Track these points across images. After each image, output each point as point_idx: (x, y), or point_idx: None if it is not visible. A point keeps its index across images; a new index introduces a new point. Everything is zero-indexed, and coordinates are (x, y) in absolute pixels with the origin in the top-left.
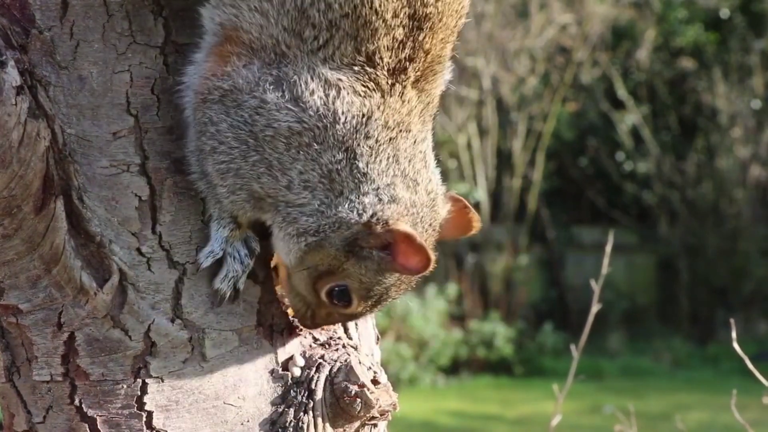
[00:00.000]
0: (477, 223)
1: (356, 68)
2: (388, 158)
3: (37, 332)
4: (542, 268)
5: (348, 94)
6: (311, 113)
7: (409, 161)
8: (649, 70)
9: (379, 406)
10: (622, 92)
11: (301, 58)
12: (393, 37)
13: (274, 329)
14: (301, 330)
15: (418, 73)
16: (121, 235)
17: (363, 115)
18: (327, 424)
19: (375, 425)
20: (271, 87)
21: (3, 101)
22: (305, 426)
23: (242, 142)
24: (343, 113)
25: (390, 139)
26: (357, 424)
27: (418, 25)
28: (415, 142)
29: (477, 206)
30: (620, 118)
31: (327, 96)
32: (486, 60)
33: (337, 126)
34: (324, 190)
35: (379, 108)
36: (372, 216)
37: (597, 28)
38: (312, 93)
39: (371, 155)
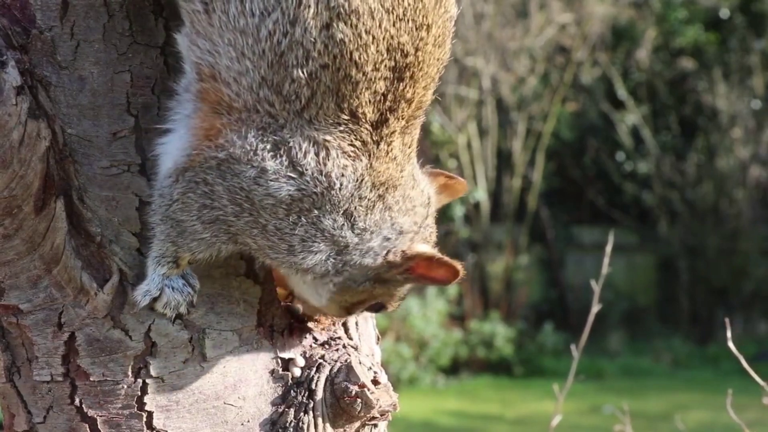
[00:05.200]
0: (461, 185)
1: (341, 127)
2: (382, 210)
3: (37, 332)
4: (542, 268)
5: (338, 157)
6: (308, 179)
7: (401, 199)
8: (649, 70)
9: (380, 407)
10: (622, 92)
11: (290, 120)
12: (374, 91)
13: (275, 329)
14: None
15: (402, 123)
16: (121, 235)
17: (356, 180)
18: (327, 425)
19: (375, 425)
20: (270, 154)
21: (4, 101)
22: (305, 426)
23: (237, 204)
24: (337, 178)
25: (379, 196)
26: (357, 424)
27: (399, 76)
28: (398, 187)
29: (477, 206)
30: (620, 118)
31: (320, 161)
32: (486, 60)
33: (333, 192)
34: (328, 249)
35: (367, 170)
36: (387, 254)
37: (597, 28)
38: (307, 158)
39: (366, 213)
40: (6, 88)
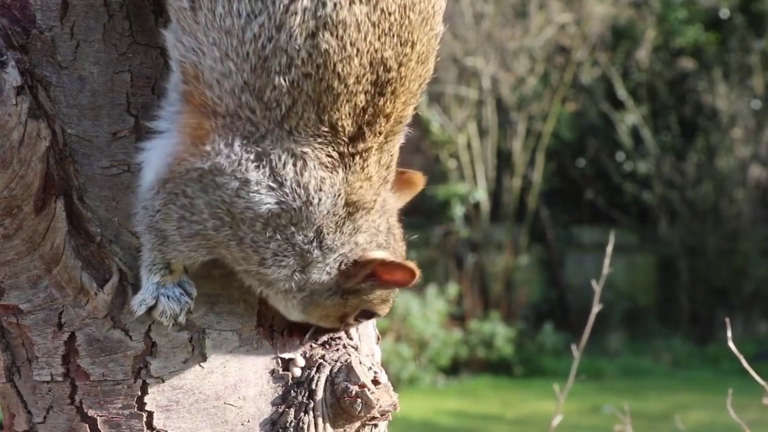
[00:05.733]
0: (417, 176)
1: (320, 139)
2: (350, 231)
3: (37, 332)
4: (542, 268)
5: (315, 168)
6: (288, 192)
7: (366, 223)
8: (649, 70)
9: (380, 407)
10: (622, 92)
11: (271, 131)
12: (354, 104)
13: (275, 329)
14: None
15: (380, 138)
16: (121, 235)
17: (334, 195)
18: (327, 425)
19: (375, 425)
20: (254, 165)
21: (4, 101)
22: (306, 426)
23: (217, 218)
24: (315, 193)
25: (349, 214)
26: (357, 424)
27: (380, 90)
28: (369, 211)
29: (477, 206)
30: (620, 118)
31: (298, 171)
32: (485, 60)
33: (311, 207)
34: (296, 264)
35: (342, 184)
36: (339, 266)
37: (596, 28)
38: (286, 169)
39: (335, 231)
40: (6, 88)
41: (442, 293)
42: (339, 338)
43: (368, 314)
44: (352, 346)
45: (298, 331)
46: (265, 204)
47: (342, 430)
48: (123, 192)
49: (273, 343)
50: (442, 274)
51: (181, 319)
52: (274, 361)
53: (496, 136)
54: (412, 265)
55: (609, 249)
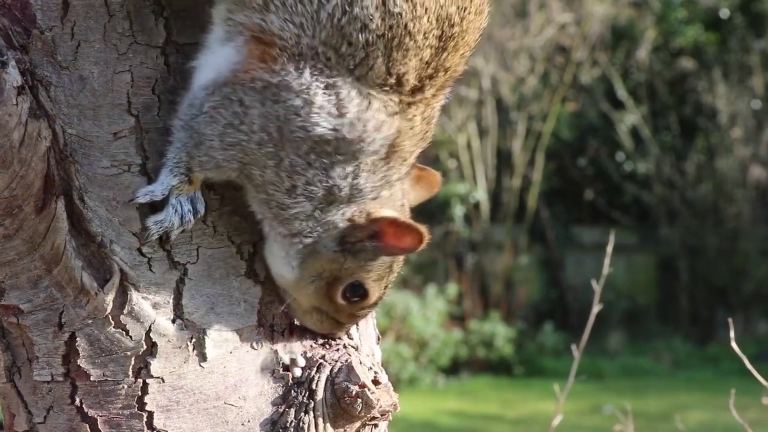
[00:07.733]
0: (434, 177)
1: (386, 88)
2: (382, 177)
3: (37, 332)
4: (542, 268)
5: (380, 114)
6: (346, 122)
7: (395, 174)
8: (649, 70)
9: (380, 407)
10: (622, 92)
11: (342, 73)
12: (421, 58)
13: (275, 329)
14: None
15: (434, 90)
16: (122, 235)
17: (386, 138)
18: (328, 425)
19: (376, 425)
20: (322, 91)
21: (4, 101)
22: (306, 426)
23: (266, 132)
24: (372, 131)
25: (387, 156)
26: (358, 424)
27: (443, 45)
28: (404, 160)
29: (477, 206)
30: (620, 118)
31: (363, 108)
32: (485, 60)
33: (362, 144)
34: (320, 200)
35: (396, 130)
36: (354, 214)
37: (596, 28)
38: (352, 103)
39: (371, 171)
40: (7, 89)
41: (442, 293)
42: (339, 338)
43: (359, 290)
44: (353, 346)
45: (298, 331)
46: (321, 127)
47: (342, 430)
48: (123, 192)
49: (273, 343)
50: (442, 274)
51: (172, 236)
52: (275, 361)
53: (496, 136)
54: (422, 228)
55: (609, 249)
